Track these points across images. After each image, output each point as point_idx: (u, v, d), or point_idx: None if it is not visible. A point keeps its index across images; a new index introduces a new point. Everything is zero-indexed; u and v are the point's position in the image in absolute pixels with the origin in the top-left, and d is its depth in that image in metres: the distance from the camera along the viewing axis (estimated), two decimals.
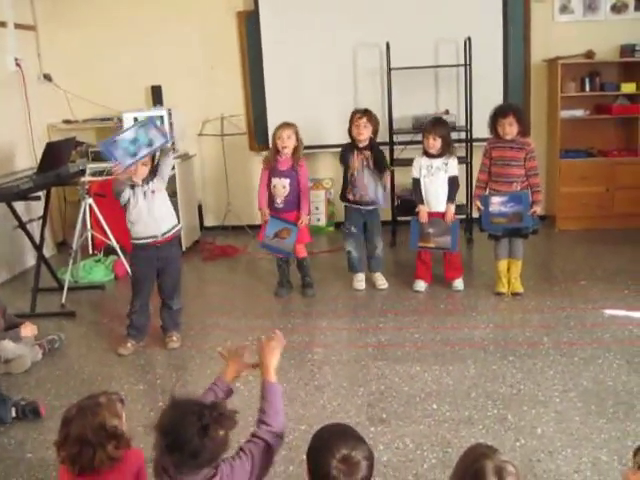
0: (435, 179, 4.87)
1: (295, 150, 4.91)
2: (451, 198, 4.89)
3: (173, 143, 4.25)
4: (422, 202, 4.93)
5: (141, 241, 4.20)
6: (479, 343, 4.14)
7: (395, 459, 3.00)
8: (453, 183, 4.89)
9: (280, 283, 5.20)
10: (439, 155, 4.87)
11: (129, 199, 4.14)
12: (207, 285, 5.65)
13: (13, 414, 3.62)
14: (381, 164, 5.03)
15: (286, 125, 4.94)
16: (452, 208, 4.88)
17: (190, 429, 1.96)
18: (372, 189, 4.97)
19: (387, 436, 3.19)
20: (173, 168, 5.51)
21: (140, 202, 4.13)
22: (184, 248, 6.20)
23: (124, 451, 2.27)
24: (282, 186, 4.96)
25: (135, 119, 6.31)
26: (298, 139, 4.92)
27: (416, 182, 4.96)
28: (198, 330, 4.59)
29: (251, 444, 2.20)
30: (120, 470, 2.25)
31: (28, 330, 4.27)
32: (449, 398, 3.49)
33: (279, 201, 4.99)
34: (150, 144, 4.08)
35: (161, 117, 6.39)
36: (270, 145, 5.11)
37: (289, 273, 5.20)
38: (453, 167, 4.89)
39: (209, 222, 7.19)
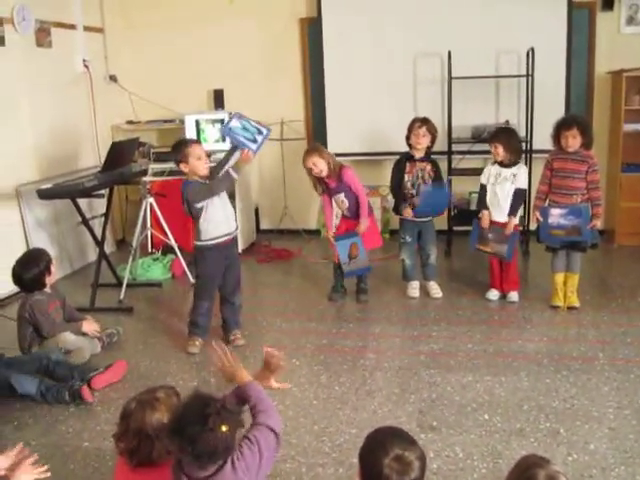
0: (500, 188, 4.83)
1: (329, 167, 4.86)
2: (514, 211, 4.84)
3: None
4: (486, 208, 4.90)
5: (215, 241, 4.26)
6: (533, 356, 4.10)
7: (445, 467, 3.01)
8: (518, 196, 4.84)
9: (334, 288, 5.24)
10: (509, 165, 4.83)
11: (203, 207, 4.20)
12: (261, 287, 5.72)
13: (67, 397, 3.77)
14: (438, 176, 5.03)
15: (308, 154, 4.89)
16: (514, 221, 4.85)
17: (191, 416, 2.06)
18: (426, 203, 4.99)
19: (437, 444, 3.19)
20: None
21: (216, 201, 4.22)
22: (240, 250, 6.30)
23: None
24: (341, 201, 5.00)
25: (197, 122, 6.49)
26: (326, 159, 4.85)
27: (482, 188, 4.94)
28: (253, 330, 4.66)
29: (255, 431, 2.24)
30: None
31: (90, 327, 4.42)
32: (501, 409, 3.48)
33: (346, 212, 5.05)
34: (260, 132, 4.22)
35: (222, 120, 6.53)
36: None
37: (344, 278, 5.23)
38: (522, 179, 4.85)
39: (265, 225, 7.28)
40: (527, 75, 5.99)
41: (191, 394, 2.18)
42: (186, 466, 2.13)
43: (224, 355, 2.61)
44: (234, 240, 4.42)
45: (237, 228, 4.46)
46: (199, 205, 4.18)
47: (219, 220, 4.25)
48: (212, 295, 4.42)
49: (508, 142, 4.83)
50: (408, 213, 5.05)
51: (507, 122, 6.18)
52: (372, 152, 6.55)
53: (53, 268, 4.37)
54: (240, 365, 2.57)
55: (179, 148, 4.22)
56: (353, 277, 5.18)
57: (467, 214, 6.32)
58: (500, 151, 4.79)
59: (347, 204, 4.97)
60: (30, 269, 4.24)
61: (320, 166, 4.83)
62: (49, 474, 2.38)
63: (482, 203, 4.94)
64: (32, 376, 3.87)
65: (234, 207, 4.56)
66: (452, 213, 6.31)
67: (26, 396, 3.79)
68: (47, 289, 4.33)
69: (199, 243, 4.30)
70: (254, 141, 4.20)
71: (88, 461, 3.22)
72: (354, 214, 4.98)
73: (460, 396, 3.64)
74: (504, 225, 4.84)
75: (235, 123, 4.22)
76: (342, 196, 4.96)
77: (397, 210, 5.18)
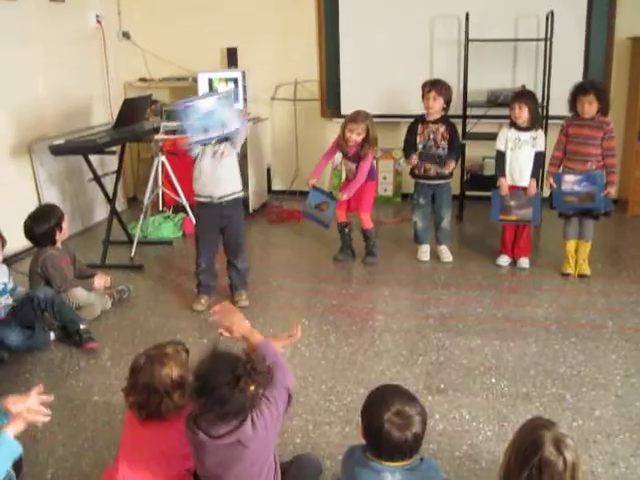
0: (521, 153, 4.78)
1: (363, 141, 4.86)
2: (535, 174, 4.80)
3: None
4: (504, 175, 4.85)
5: (201, 199, 4.26)
6: (541, 322, 4.11)
7: (450, 429, 3.04)
8: (539, 159, 4.79)
9: (341, 249, 5.25)
10: (527, 129, 4.77)
11: (198, 154, 4.20)
12: (272, 247, 5.73)
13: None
14: (453, 139, 4.98)
15: (359, 119, 4.84)
16: (534, 183, 4.80)
17: (222, 376, 2.05)
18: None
19: (444, 406, 3.22)
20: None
21: (207, 160, 4.18)
22: (251, 210, 6.30)
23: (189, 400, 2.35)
24: (349, 168, 5.02)
25: (210, 80, 6.44)
26: (369, 133, 4.83)
27: (500, 155, 4.86)
28: (263, 290, 4.68)
29: (273, 390, 2.24)
30: (182, 419, 2.33)
31: (102, 281, 4.44)
32: (508, 374, 3.49)
33: (350, 176, 5.04)
34: (223, 125, 4.02)
35: (235, 79, 6.49)
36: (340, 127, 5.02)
37: (351, 240, 5.23)
38: (541, 142, 4.79)
39: (276, 186, 7.26)
40: (545, 39, 5.90)
41: (214, 352, 2.17)
42: (205, 422, 2.14)
43: (227, 315, 2.58)
44: (232, 203, 4.28)
45: (234, 195, 4.29)
46: (193, 156, 4.20)
47: (205, 180, 4.20)
48: (207, 253, 4.38)
49: (533, 105, 4.76)
50: (412, 162, 5.02)
51: (523, 87, 6.09)
52: (386, 114, 6.47)
53: (65, 225, 4.38)
54: (246, 323, 2.56)
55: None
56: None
57: (480, 179, 6.30)
58: (525, 113, 4.70)
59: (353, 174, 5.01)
60: (42, 224, 4.26)
61: (358, 139, 4.83)
62: (48, 418, 2.33)
63: (501, 170, 4.86)
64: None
65: (245, 167, 4.52)
66: (465, 178, 6.27)
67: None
68: (58, 245, 4.35)
69: (194, 198, 4.35)
70: (204, 131, 4.00)
71: (98, 415, 3.27)
72: None
73: (468, 359, 3.66)
74: (524, 189, 4.79)
75: (207, 104, 3.97)
76: (353, 166, 4.97)
77: (412, 172, 5.15)
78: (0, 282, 3.97)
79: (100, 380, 3.60)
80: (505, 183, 4.83)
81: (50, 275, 4.20)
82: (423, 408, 2.09)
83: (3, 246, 3.97)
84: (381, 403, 2.08)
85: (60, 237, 4.35)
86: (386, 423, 2.01)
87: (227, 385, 2.05)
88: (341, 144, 4.98)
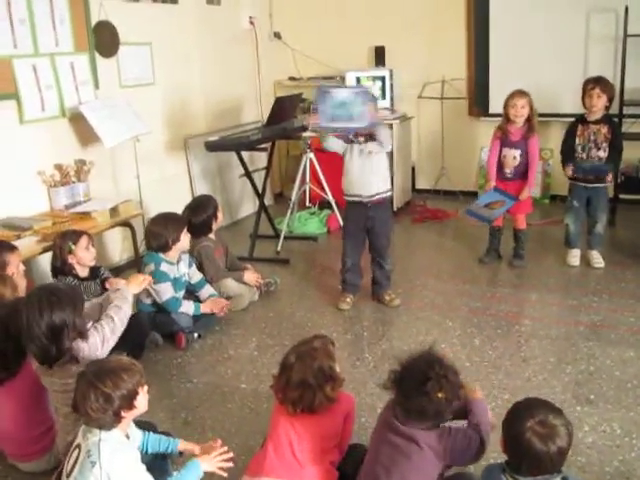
0: None
1: (528, 119, 4.76)
2: None
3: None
4: None
5: (350, 198, 4.27)
6: None
7: (600, 442, 2.92)
8: None
9: (488, 250, 5.15)
10: None
11: (345, 153, 4.22)
12: (415, 246, 5.70)
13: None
14: (615, 141, 4.75)
15: (520, 93, 4.77)
16: None
17: (415, 373, 2.17)
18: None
19: (593, 418, 3.10)
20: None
21: (354, 159, 4.19)
22: (395, 208, 6.30)
23: (339, 392, 2.40)
24: (512, 157, 4.85)
25: (358, 79, 6.50)
26: (532, 108, 4.74)
27: None
28: (406, 289, 4.67)
29: (472, 431, 2.27)
30: (333, 411, 2.39)
31: (251, 277, 4.61)
32: None
33: (508, 171, 4.89)
34: (350, 119, 4.01)
35: (382, 77, 6.51)
36: (502, 113, 4.90)
37: (499, 242, 5.13)
38: None
39: (421, 185, 7.21)
40: None
41: (422, 351, 2.27)
42: (399, 412, 2.23)
43: None
44: (377, 203, 4.25)
45: (383, 194, 4.26)
46: (328, 148, 4.23)
47: (352, 179, 4.20)
48: (353, 252, 4.38)
49: None
50: (568, 173, 4.83)
51: None
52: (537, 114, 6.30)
53: (220, 214, 4.59)
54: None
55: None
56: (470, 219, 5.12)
57: (636, 182, 6.00)
58: None
59: (519, 161, 4.82)
60: (199, 214, 4.48)
61: (524, 112, 4.73)
62: (231, 464, 2.55)
63: None
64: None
65: (390, 165, 4.49)
66: (619, 180, 5.98)
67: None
68: (212, 235, 4.55)
69: (344, 197, 4.36)
70: (331, 120, 4.02)
71: (245, 402, 3.39)
72: (514, 176, 4.85)
73: (620, 371, 3.49)
74: None
75: (343, 93, 4.02)
76: (518, 153, 4.81)
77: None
78: (183, 272, 4.22)
79: (248, 369, 3.72)
80: None
81: (204, 266, 4.40)
82: (569, 422, 2.00)
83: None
84: (525, 411, 2.01)
85: (216, 225, 4.55)
86: (528, 431, 1.94)
87: (414, 382, 2.14)
88: (504, 131, 4.85)
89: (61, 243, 3.74)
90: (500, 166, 4.92)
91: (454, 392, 2.17)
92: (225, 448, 2.55)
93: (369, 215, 4.26)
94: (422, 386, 2.11)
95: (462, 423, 2.34)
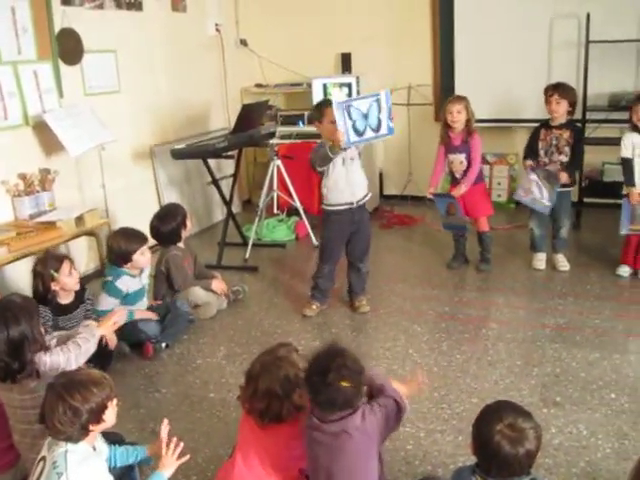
0: None
1: (467, 123, 4.81)
2: None
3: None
4: (632, 184, 4.60)
5: (337, 207, 4.24)
6: None
7: (567, 444, 2.95)
8: None
9: (455, 255, 5.19)
10: None
11: (327, 167, 4.18)
12: (383, 252, 5.71)
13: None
14: (578, 147, 4.83)
15: (456, 99, 4.86)
16: None
17: (317, 367, 2.24)
18: (536, 185, 4.83)
19: (560, 420, 3.13)
20: None
21: (338, 168, 4.16)
22: None
23: (307, 400, 2.39)
24: (459, 161, 4.91)
25: (324, 85, 6.51)
26: (469, 112, 4.80)
27: (626, 162, 4.62)
28: (375, 295, 4.68)
29: (384, 399, 2.34)
30: (302, 419, 2.37)
31: (219, 286, 4.58)
32: (628, 389, 3.36)
33: (458, 175, 4.96)
34: (377, 129, 4.01)
35: (349, 84, 6.53)
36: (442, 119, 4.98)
37: (465, 247, 5.17)
38: None
39: (388, 191, 7.26)
40: None
41: (326, 345, 2.34)
42: (316, 409, 2.28)
43: None
44: (363, 206, 4.33)
45: (367, 196, 4.35)
46: (318, 169, 4.17)
47: (341, 188, 4.19)
48: (334, 259, 4.40)
49: None
50: (526, 166, 4.93)
51: None
52: (501, 119, 6.36)
53: (189, 222, 4.57)
54: None
55: (320, 106, 4.24)
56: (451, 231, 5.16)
57: (600, 186, 6.08)
58: None
59: (466, 165, 4.87)
60: (168, 222, 4.45)
61: (461, 117, 4.78)
62: (188, 456, 2.52)
63: (629, 178, 4.62)
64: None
65: None
66: (583, 184, 6.07)
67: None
68: (181, 244, 4.52)
69: (324, 207, 4.32)
70: (360, 134, 3.97)
71: (213, 411, 3.38)
72: None
73: (586, 373, 3.54)
74: None
75: (363, 105, 3.96)
76: (463, 156, 4.88)
77: None
78: (145, 282, 4.21)
79: (216, 377, 3.71)
80: (635, 192, 4.58)
81: (172, 275, 4.38)
82: (538, 425, 2.02)
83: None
84: (494, 415, 2.03)
85: (184, 234, 4.53)
86: (497, 434, 1.96)
87: (318, 376, 2.19)
88: (444, 139, 4.92)
89: (42, 270, 3.61)
90: (452, 172, 5.00)
91: (357, 378, 2.23)
92: (175, 440, 2.49)
93: (355, 220, 4.29)
94: (325, 378, 2.16)
95: None
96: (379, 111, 4.01)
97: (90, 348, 2.91)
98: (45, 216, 4.52)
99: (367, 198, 4.35)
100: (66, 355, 2.75)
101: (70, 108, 4.88)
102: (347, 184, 4.19)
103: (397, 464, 2.84)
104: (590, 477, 2.74)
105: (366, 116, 3.98)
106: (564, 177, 4.75)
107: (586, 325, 4.10)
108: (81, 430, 2.23)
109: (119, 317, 3.35)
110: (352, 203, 4.23)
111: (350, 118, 3.93)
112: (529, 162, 4.91)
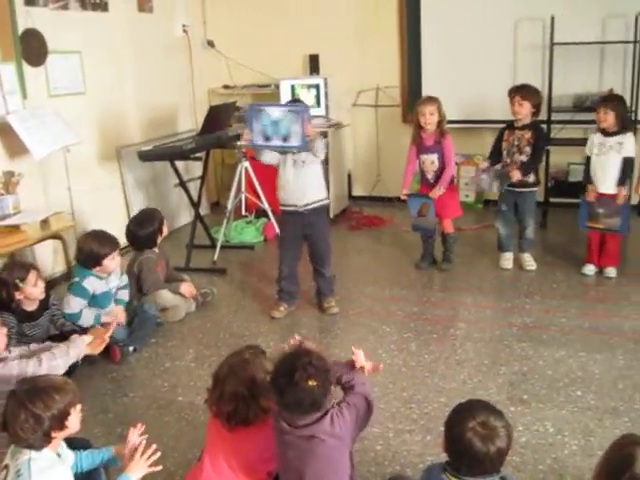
0: (606, 159, 4.62)
1: (439, 124, 4.84)
2: (623, 181, 4.62)
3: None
4: (590, 182, 4.72)
5: (286, 208, 4.28)
6: (630, 334, 3.97)
7: (534, 441, 2.98)
8: (627, 164, 4.60)
9: (423, 256, 5.22)
10: (613, 134, 4.62)
11: (279, 164, 4.23)
12: (352, 253, 5.73)
13: None
14: (537, 146, 4.86)
15: (428, 100, 4.87)
16: (623, 191, 4.63)
17: (282, 368, 2.22)
18: (486, 182, 4.95)
19: (527, 417, 3.16)
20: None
21: (288, 169, 4.19)
22: (332, 216, 6.32)
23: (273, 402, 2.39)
24: (431, 162, 4.93)
25: (292, 87, 6.51)
26: (441, 114, 4.83)
27: (589, 160, 4.75)
28: (343, 296, 4.68)
29: (353, 397, 2.34)
30: (269, 421, 2.36)
31: (187, 289, 4.55)
32: (594, 387, 3.40)
33: (429, 176, 4.98)
34: (285, 139, 4.06)
35: (317, 85, 6.54)
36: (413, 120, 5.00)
37: (433, 247, 5.20)
38: (629, 148, 4.60)
39: (357, 192, 7.27)
40: (635, 41, 5.71)
41: (292, 347, 2.33)
42: (283, 413, 2.25)
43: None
44: (315, 211, 4.28)
45: (320, 202, 4.29)
46: (262, 161, 4.27)
47: (287, 189, 4.22)
48: (290, 259, 4.38)
49: (620, 109, 4.62)
50: (482, 166, 5.10)
51: (611, 91, 5.92)
52: (468, 120, 6.41)
53: (165, 228, 4.55)
54: None
55: None
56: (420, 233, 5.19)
57: (565, 186, 6.16)
58: (611, 118, 4.57)
59: (438, 166, 4.90)
60: (145, 227, 4.43)
61: (433, 119, 4.79)
62: (160, 467, 2.47)
63: (586, 176, 4.76)
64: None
65: (326, 172, 4.52)
66: (549, 184, 6.14)
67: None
68: (156, 249, 4.49)
69: (279, 206, 4.37)
70: (266, 139, 4.11)
71: (182, 415, 3.35)
72: (437, 180, 4.93)
73: (552, 370, 3.58)
74: (613, 197, 4.64)
75: (277, 113, 4.06)
76: (435, 157, 4.90)
77: None
78: (113, 285, 4.13)
79: (184, 381, 3.68)
80: (592, 189, 4.69)
81: (143, 277, 4.35)
82: (510, 424, 2.04)
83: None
84: (466, 413, 2.04)
85: (160, 240, 4.50)
86: (469, 432, 1.97)
87: (284, 377, 2.17)
88: (416, 139, 4.94)
89: (7, 279, 3.55)
90: (422, 172, 5.01)
91: (323, 377, 2.20)
92: (154, 447, 2.45)
93: (305, 223, 4.27)
94: (292, 378, 2.15)
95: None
96: (294, 123, 4.03)
97: (65, 364, 2.93)
98: (9, 219, 4.44)
99: (321, 203, 4.31)
100: (38, 368, 2.76)
101: (34, 110, 4.81)
102: (296, 186, 4.20)
103: (366, 465, 2.85)
104: (557, 474, 2.76)
105: (276, 123, 4.05)
106: (516, 174, 4.80)
107: (552, 324, 4.15)
108: (44, 437, 2.20)
109: (108, 335, 3.35)
110: (296, 205, 4.22)
111: (259, 122, 4.07)
112: (485, 164, 5.04)
